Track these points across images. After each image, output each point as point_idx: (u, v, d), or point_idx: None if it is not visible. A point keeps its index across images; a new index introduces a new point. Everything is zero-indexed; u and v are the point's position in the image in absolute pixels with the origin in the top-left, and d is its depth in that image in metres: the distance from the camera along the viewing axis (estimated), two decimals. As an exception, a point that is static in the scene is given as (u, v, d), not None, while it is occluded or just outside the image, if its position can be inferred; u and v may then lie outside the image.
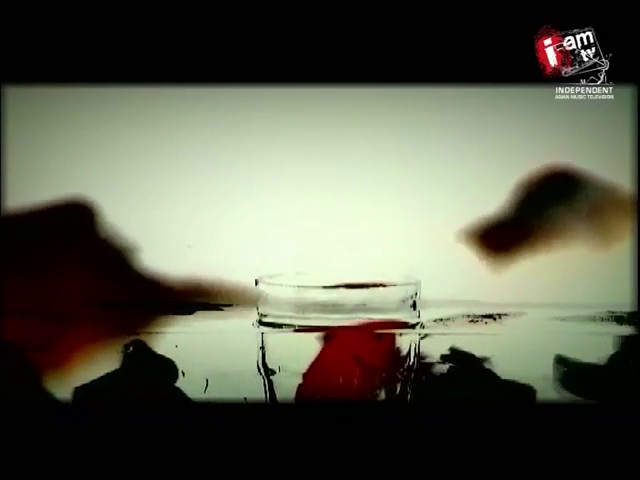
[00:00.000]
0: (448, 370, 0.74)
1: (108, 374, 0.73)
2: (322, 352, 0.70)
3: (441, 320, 0.75)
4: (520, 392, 0.74)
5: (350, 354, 0.70)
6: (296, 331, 0.71)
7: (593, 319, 0.76)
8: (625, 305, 0.76)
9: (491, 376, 0.74)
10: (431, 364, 0.74)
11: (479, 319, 0.76)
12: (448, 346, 0.74)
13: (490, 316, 0.76)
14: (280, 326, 0.71)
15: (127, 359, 0.74)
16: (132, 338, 0.74)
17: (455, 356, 0.74)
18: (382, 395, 0.71)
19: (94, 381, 0.73)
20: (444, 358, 0.74)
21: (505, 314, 0.76)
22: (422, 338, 0.72)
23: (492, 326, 0.75)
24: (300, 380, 0.71)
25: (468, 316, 0.76)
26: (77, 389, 0.73)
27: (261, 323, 0.72)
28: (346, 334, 0.70)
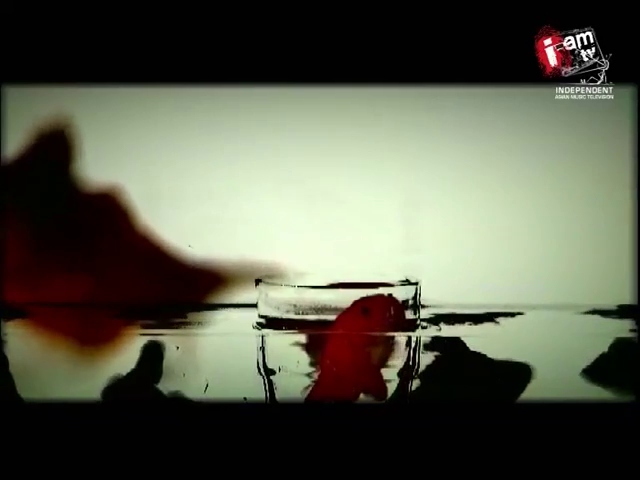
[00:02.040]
0: (448, 370, 0.74)
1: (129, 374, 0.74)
2: (325, 352, 0.70)
3: (441, 321, 0.75)
4: (519, 392, 0.74)
5: (351, 348, 0.70)
6: (296, 332, 0.71)
7: (592, 318, 0.76)
8: (625, 304, 0.76)
9: (490, 376, 0.74)
10: (431, 364, 0.74)
11: (479, 320, 0.76)
12: (448, 347, 0.74)
13: (490, 316, 0.76)
14: (280, 328, 0.71)
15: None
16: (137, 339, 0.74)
17: (455, 356, 0.74)
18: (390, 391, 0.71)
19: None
20: (444, 358, 0.74)
21: (504, 314, 0.76)
22: (422, 338, 0.72)
23: (492, 327, 0.75)
24: (305, 381, 0.71)
25: (467, 317, 0.76)
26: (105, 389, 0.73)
27: (261, 325, 0.72)
28: (345, 328, 0.70)
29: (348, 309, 0.70)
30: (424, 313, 0.73)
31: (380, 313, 0.69)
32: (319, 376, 0.70)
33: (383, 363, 0.71)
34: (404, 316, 0.71)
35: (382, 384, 0.70)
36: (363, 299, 0.69)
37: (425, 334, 0.73)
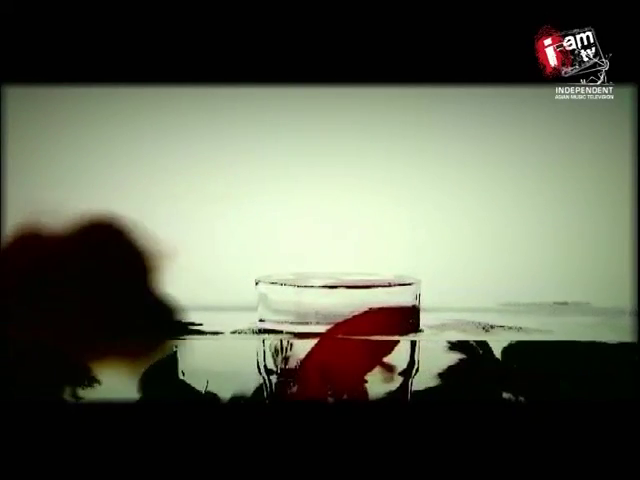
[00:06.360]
0: (448, 371, 0.74)
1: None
2: (316, 353, 0.70)
3: (440, 322, 0.75)
4: (518, 392, 0.74)
5: (348, 351, 0.70)
6: (296, 335, 0.71)
7: (592, 319, 0.76)
8: (625, 306, 0.76)
9: (490, 377, 0.74)
10: (430, 365, 0.74)
11: (478, 321, 0.76)
12: (448, 348, 0.74)
13: (489, 317, 0.76)
14: (280, 331, 0.71)
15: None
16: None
17: (455, 357, 0.74)
18: (382, 394, 0.71)
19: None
20: (443, 359, 0.74)
21: (503, 326, 0.76)
22: (421, 340, 0.73)
23: (491, 328, 0.75)
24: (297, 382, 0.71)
25: (467, 318, 0.76)
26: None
27: (261, 329, 0.72)
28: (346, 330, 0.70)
29: (356, 316, 0.70)
30: (424, 315, 0.73)
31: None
32: (303, 376, 0.70)
33: (382, 365, 0.71)
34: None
35: (363, 390, 0.71)
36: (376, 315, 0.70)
37: (425, 335, 0.73)
